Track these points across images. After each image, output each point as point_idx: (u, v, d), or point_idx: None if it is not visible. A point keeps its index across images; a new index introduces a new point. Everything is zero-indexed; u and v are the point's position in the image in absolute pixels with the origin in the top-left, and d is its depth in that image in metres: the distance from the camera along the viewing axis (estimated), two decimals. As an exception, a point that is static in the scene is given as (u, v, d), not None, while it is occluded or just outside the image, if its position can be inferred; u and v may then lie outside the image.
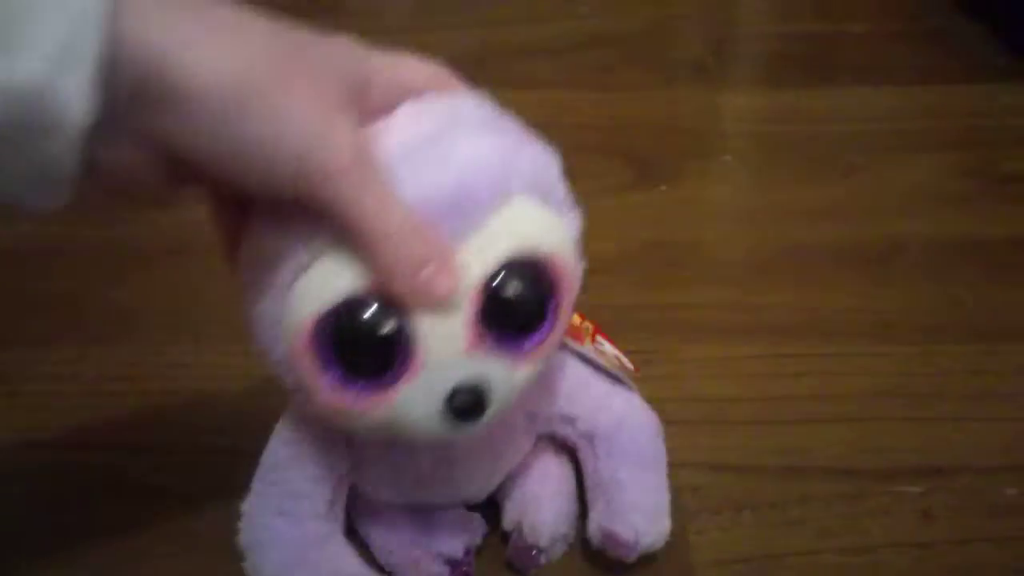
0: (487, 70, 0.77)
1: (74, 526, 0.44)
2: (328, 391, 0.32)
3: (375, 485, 0.40)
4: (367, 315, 0.31)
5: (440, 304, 0.31)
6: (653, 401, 0.49)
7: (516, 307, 0.32)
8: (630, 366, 0.44)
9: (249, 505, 0.38)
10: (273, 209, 0.32)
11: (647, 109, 0.72)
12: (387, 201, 0.30)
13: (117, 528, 0.44)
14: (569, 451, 0.43)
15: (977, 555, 0.41)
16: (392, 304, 0.31)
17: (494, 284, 0.31)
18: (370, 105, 0.32)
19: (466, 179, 0.31)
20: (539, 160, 0.34)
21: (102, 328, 0.54)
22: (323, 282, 0.31)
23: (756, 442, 0.47)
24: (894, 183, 0.64)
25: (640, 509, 0.40)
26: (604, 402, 0.41)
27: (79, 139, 0.25)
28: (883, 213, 0.61)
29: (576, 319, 0.43)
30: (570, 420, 0.41)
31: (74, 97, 0.24)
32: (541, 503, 0.41)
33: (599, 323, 0.54)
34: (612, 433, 0.41)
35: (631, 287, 0.56)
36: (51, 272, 0.59)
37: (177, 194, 0.31)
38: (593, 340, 0.43)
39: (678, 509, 0.43)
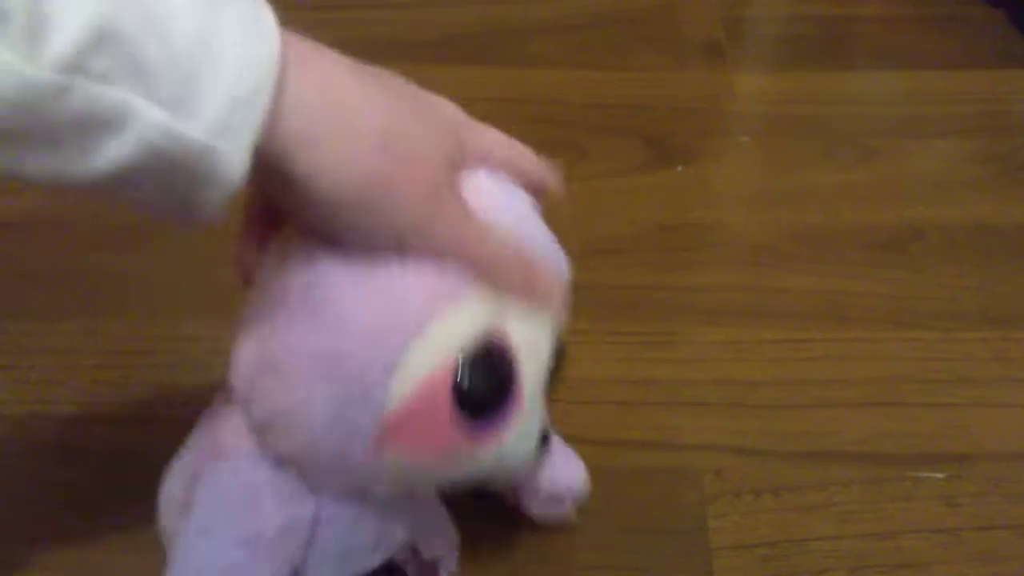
0: (497, 48, 0.77)
1: (83, 499, 0.43)
2: (455, 434, 0.31)
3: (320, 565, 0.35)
4: (496, 354, 0.31)
5: (561, 302, 0.33)
6: (669, 383, 0.49)
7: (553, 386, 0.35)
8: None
9: None
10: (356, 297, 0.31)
11: (661, 89, 0.71)
12: (485, 232, 0.32)
13: (128, 500, 0.43)
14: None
15: (1000, 541, 0.41)
16: (509, 348, 0.32)
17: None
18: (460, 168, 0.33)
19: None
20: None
21: (111, 302, 0.53)
22: (450, 332, 0.31)
23: (776, 426, 0.46)
24: (912, 168, 0.63)
25: (559, 463, 0.41)
26: None
27: (231, 193, 0.26)
28: (901, 198, 0.60)
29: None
30: None
31: (235, 160, 0.25)
32: (425, 513, 0.40)
33: (613, 304, 0.53)
34: None
35: (646, 268, 0.56)
36: (60, 246, 0.58)
37: None
38: None
39: (698, 493, 0.43)
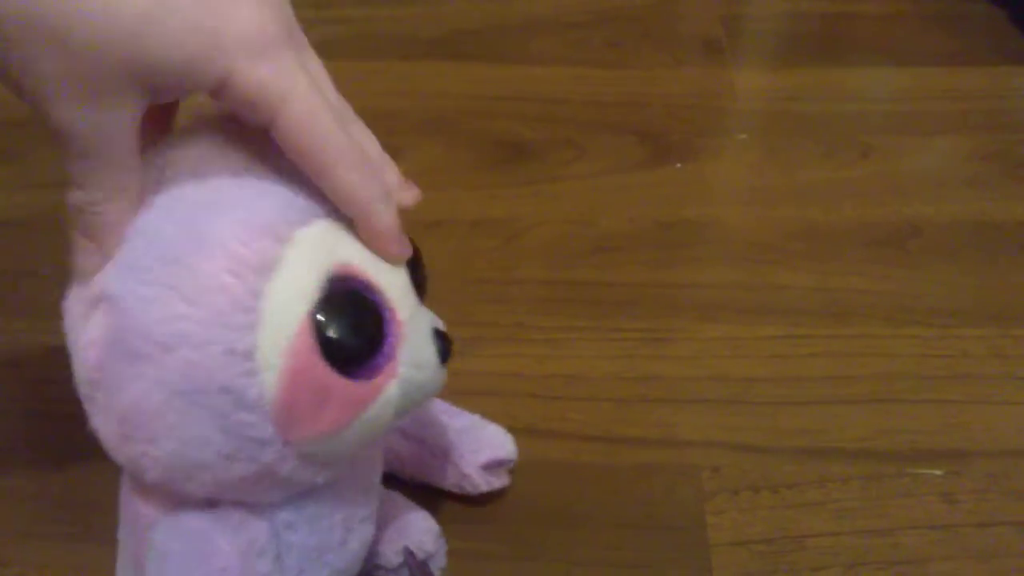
0: (495, 45, 0.77)
1: (81, 498, 0.43)
2: (349, 388, 0.29)
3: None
4: (354, 297, 0.29)
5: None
6: (668, 380, 0.49)
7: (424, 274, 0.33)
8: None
9: None
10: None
11: (659, 86, 0.71)
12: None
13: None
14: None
15: (999, 538, 0.41)
16: (367, 276, 0.29)
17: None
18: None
19: None
20: None
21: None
22: (302, 273, 0.28)
23: (774, 423, 0.46)
24: (911, 165, 0.63)
25: (490, 431, 0.43)
26: None
27: None
28: (900, 195, 0.60)
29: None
30: None
31: None
32: (406, 515, 0.40)
33: (612, 301, 0.53)
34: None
35: (645, 265, 0.56)
36: (59, 243, 0.58)
37: None
38: None
39: (696, 489, 0.43)
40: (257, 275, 0.27)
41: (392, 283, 0.30)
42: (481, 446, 0.42)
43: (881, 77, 0.72)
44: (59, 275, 0.55)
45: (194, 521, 0.30)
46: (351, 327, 0.28)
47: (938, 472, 0.44)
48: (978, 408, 0.47)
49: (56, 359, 0.50)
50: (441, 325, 0.32)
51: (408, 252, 0.31)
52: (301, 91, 0.28)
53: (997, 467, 0.44)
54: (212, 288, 0.27)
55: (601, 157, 0.64)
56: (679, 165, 0.63)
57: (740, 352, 0.50)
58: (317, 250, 0.28)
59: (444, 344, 0.31)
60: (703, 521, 0.42)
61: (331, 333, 0.28)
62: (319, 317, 0.28)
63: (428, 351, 0.31)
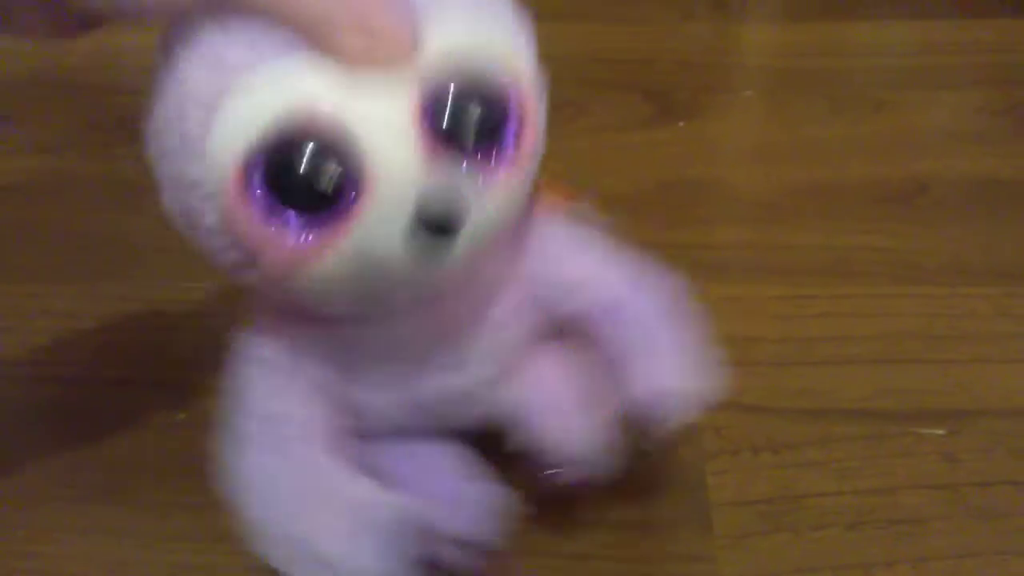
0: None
1: (88, 462, 0.43)
2: (278, 241, 0.27)
3: (372, 391, 0.34)
4: (305, 140, 0.27)
5: (391, 59, 0.27)
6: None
7: (467, 107, 0.28)
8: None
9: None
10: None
11: (665, 43, 0.70)
12: None
13: (132, 463, 0.43)
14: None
15: (1001, 498, 0.41)
16: (331, 118, 0.27)
17: (436, 82, 0.28)
18: None
19: None
20: None
21: (114, 262, 0.53)
22: (246, 110, 0.26)
23: (777, 383, 0.46)
24: (921, 120, 0.62)
25: (668, 363, 0.36)
26: (610, 264, 0.37)
27: None
28: (909, 151, 0.59)
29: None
30: (573, 287, 0.36)
31: None
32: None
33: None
34: (626, 295, 0.37)
35: (649, 226, 0.55)
36: (60, 208, 0.58)
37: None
38: None
39: (698, 450, 0.43)
40: (204, 110, 0.27)
41: (380, 136, 0.27)
42: (636, 380, 0.35)
43: (890, 31, 0.71)
44: (59, 240, 0.55)
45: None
46: (281, 179, 0.27)
47: (940, 431, 0.44)
48: (983, 367, 0.47)
49: (59, 325, 0.50)
50: (452, 188, 0.27)
51: (383, 42, 0.27)
52: None
53: (1001, 426, 0.44)
54: (170, 119, 0.28)
55: (604, 115, 0.63)
56: (682, 124, 0.62)
57: (745, 312, 0.50)
58: (277, 85, 0.26)
59: (430, 216, 0.27)
60: (704, 481, 0.42)
61: (258, 182, 0.27)
62: (248, 164, 0.27)
63: (391, 223, 0.27)
